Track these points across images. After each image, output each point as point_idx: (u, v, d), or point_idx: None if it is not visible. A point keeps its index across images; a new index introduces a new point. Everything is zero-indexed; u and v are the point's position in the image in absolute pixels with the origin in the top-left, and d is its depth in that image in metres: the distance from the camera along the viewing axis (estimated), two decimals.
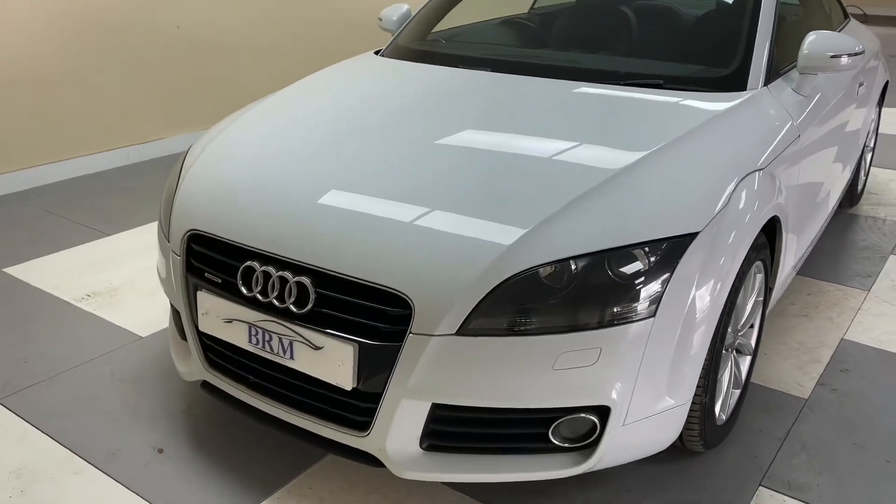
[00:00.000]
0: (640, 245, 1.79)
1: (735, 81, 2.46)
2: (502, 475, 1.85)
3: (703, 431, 2.06)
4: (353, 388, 1.82)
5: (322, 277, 1.86)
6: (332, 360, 1.83)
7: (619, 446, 1.86)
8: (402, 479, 2.12)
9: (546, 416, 1.81)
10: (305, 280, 1.86)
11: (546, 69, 2.66)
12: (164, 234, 2.25)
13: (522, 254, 1.75)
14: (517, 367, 1.74)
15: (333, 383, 1.85)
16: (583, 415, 1.81)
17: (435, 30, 3.25)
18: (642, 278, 1.77)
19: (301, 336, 1.87)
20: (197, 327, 2.12)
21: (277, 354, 1.93)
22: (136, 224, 3.93)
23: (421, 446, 1.86)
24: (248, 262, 1.95)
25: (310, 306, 1.86)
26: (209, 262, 2.08)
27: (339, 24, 6.17)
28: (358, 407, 1.88)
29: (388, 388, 1.80)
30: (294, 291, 1.87)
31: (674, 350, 1.82)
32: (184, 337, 2.28)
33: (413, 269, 1.76)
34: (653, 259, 1.79)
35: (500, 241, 1.77)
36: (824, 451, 2.26)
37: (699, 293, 1.84)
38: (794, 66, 2.70)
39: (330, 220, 1.91)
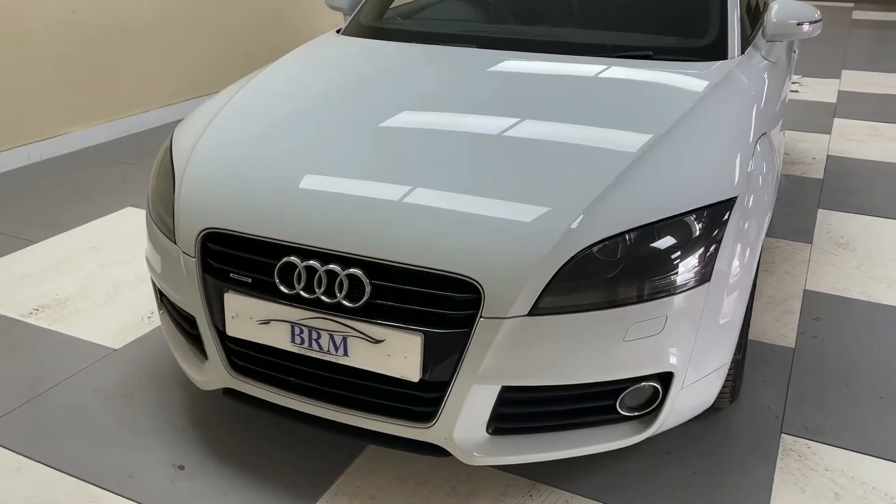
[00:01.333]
0: (690, 213, 1.83)
1: (717, 50, 2.55)
2: (570, 451, 1.86)
3: (734, 387, 2.15)
4: (420, 380, 1.77)
5: (376, 268, 1.78)
6: (394, 353, 1.77)
7: (675, 411, 1.91)
8: (451, 467, 2.09)
9: (614, 388, 1.83)
10: (358, 272, 1.77)
11: (532, 44, 2.65)
12: (167, 235, 2.09)
13: (584, 231, 1.75)
14: (590, 342, 1.74)
15: (397, 376, 1.78)
16: (647, 383, 1.84)
17: (393, 6, 3.17)
18: (697, 245, 1.81)
19: (357, 331, 1.79)
20: (223, 332, 1.99)
21: (328, 352, 1.84)
22: (65, 227, 3.62)
23: (487, 431, 1.84)
24: (287, 258, 1.84)
25: (365, 299, 1.78)
26: (234, 261, 1.94)
27: (245, 4, 5.89)
28: (421, 398, 1.82)
29: (457, 376, 1.75)
30: (346, 285, 1.79)
31: (722, 311, 1.89)
32: (197, 344, 2.13)
33: (479, 253, 1.72)
34: (702, 225, 1.83)
35: (562, 219, 1.76)
36: (824, 395, 2.41)
37: (740, 253, 1.91)
38: (757, 34, 2.84)
39: (376, 208, 1.83)
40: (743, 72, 2.47)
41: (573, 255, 1.72)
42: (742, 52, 2.59)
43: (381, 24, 3.03)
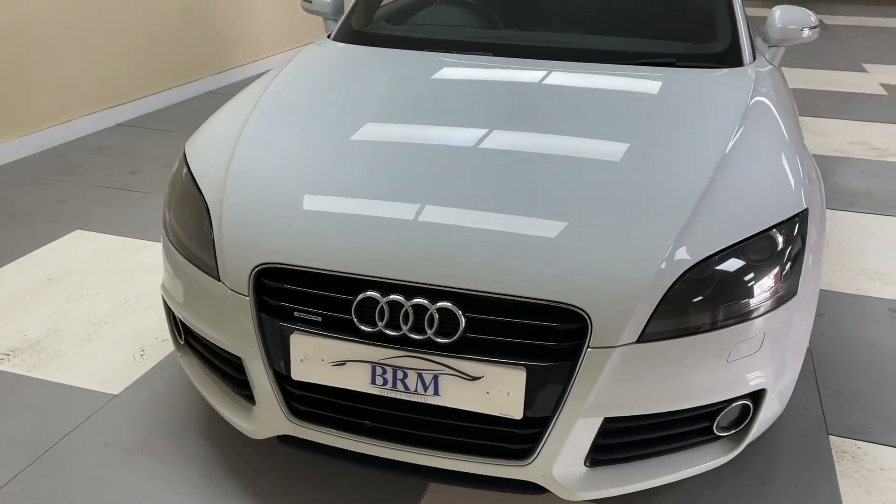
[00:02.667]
0: (775, 228, 1.81)
1: (734, 57, 2.56)
2: (668, 477, 1.81)
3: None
4: (524, 417, 1.67)
5: (470, 300, 1.66)
6: (494, 390, 1.65)
7: (758, 425, 1.90)
8: (513, 500, 2.00)
9: (712, 409, 1.79)
10: (451, 306, 1.65)
11: (548, 51, 2.59)
12: (206, 272, 1.88)
13: (684, 252, 1.69)
14: (696, 366, 1.69)
15: (497, 414, 1.67)
16: (741, 401, 1.82)
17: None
18: (785, 259, 1.80)
19: (451, 368, 1.67)
20: (282, 376, 1.81)
21: (415, 392, 1.71)
22: (10, 257, 3.25)
23: (585, 464, 1.76)
24: (367, 293, 1.69)
25: (459, 334, 1.66)
26: (299, 298, 1.77)
27: (168, 1, 5.50)
28: (518, 435, 1.72)
29: (561, 410, 1.66)
30: (436, 320, 1.66)
31: (802, 323, 1.88)
32: (244, 391, 1.94)
33: (584, 281, 1.63)
34: (785, 239, 1.82)
35: (662, 242, 1.69)
36: (857, 392, 2.47)
37: (813, 264, 1.91)
38: (755, 40, 2.88)
39: (466, 236, 1.71)
40: (764, 78, 2.49)
41: (677, 277, 1.66)
42: (753, 59, 2.62)
43: (380, 29, 2.89)
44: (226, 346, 1.89)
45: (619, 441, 1.77)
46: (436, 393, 1.70)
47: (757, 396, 1.83)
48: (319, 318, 1.75)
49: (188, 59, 5.86)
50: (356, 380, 1.74)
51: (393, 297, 1.67)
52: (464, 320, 1.65)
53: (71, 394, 2.38)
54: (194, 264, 1.93)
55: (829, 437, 2.27)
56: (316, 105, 2.28)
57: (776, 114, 2.25)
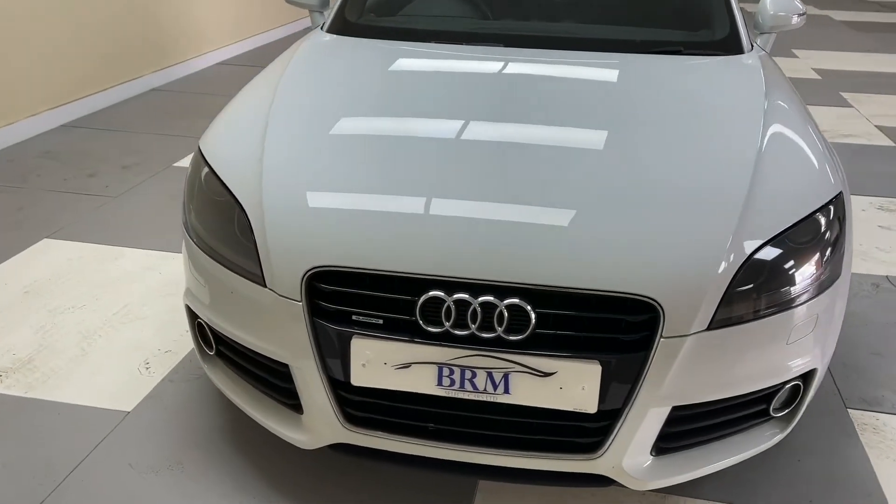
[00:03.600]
0: (820, 210, 1.84)
1: (735, 44, 2.61)
2: (728, 460, 1.82)
3: None
4: (598, 411, 1.66)
5: (540, 296, 1.64)
6: (568, 385, 1.63)
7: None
8: (576, 493, 1.99)
9: (770, 391, 1.82)
10: (520, 302, 1.62)
11: (556, 41, 2.58)
12: (248, 278, 1.79)
13: (745, 237, 1.71)
14: (760, 350, 1.71)
15: (571, 410, 1.65)
16: (794, 381, 1.85)
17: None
18: (831, 240, 1.84)
19: (522, 365, 1.64)
20: (337, 381, 1.74)
21: (484, 392, 1.67)
22: None
23: (651, 453, 1.76)
24: (431, 293, 1.64)
25: (530, 330, 1.63)
26: (357, 301, 1.70)
27: None
28: (587, 428, 1.71)
29: (633, 401, 1.66)
30: (506, 317, 1.63)
31: (843, 303, 1.94)
32: (290, 400, 1.86)
33: (654, 271, 1.63)
34: (828, 221, 1.86)
35: (724, 228, 1.70)
36: (863, 366, 2.56)
37: (849, 244, 1.96)
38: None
39: (531, 230, 1.68)
40: (769, 65, 2.54)
41: (741, 263, 1.68)
42: (752, 46, 2.67)
43: (376, 21, 2.81)
44: (271, 354, 1.81)
45: (684, 428, 1.78)
46: (506, 391, 1.67)
47: (807, 376, 1.87)
48: (381, 321, 1.69)
49: (130, 54, 5.60)
50: (422, 382, 1.69)
51: (459, 295, 1.63)
52: (534, 316, 1.62)
53: (80, 413, 2.24)
54: (233, 271, 1.83)
55: (848, 410, 2.34)
56: (335, 101, 2.20)
57: (792, 99, 2.31)
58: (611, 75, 2.35)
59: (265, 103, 2.21)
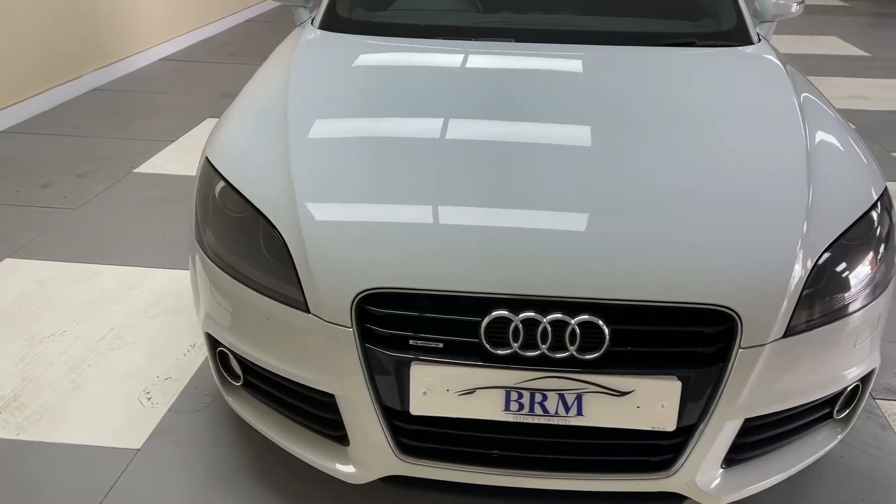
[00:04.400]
0: (872, 208, 1.80)
1: (743, 35, 2.56)
2: (794, 468, 1.77)
3: None
4: (677, 428, 1.58)
5: (614, 311, 1.54)
6: (646, 404, 1.55)
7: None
8: None
9: (835, 396, 1.78)
10: (594, 319, 1.52)
11: (568, 34, 2.49)
12: (288, 304, 1.64)
13: (812, 241, 1.65)
14: (830, 355, 1.66)
15: (649, 429, 1.57)
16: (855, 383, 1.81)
17: None
18: (885, 237, 1.80)
19: (596, 385, 1.54)
20: (395, 412, 1.62)
21: (556, 415, 1.57)
22: None
23: (721, 466, 1.70)
24: (496, 312, 1.53)
25: (604, 348, 1.53)
26: (413, 324, 1.58)
27: None
28: (661, 446, 1.63)
29: (711, 415, 1.58)
30: (578, 335, 1.53)
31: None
32: (336, 432, 1.72)
33: (729, 280, 1.55)
34: (879, 217, 1.82)
35: (792, 232, 1.63)
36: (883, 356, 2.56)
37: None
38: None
39: (595, 244, 1.57)
40: (781, 55, 2.50)
41: (813, 265, 1.62)
42: (759, 36, 2.63)
43: (371, 17, 2.66)
44: (314, 384, 1.68)
45: (754, 439, 1.72)
46: (579, 413, 1.57)
47: (867, 376, 1.83)
48: (441, 345, 1.57)
49: (69, 53, 5.26)
50: (488, 408, 1.58)
51: (527, 314, 1.53)
52: (608, 333, 1.53)
53: (84, 455, 2.04)
54: (268, 296, 1.68)
55: (876, 401, 2.34)
56: (353, 107, 2.05)
57: (815, 92, 2.27)
58: (631, 70, 2.27)
59: (276, 109, 2.04)
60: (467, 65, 2.28)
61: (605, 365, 1.55)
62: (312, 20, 2.70)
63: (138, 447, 2.08)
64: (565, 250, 1.57)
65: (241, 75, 5.90)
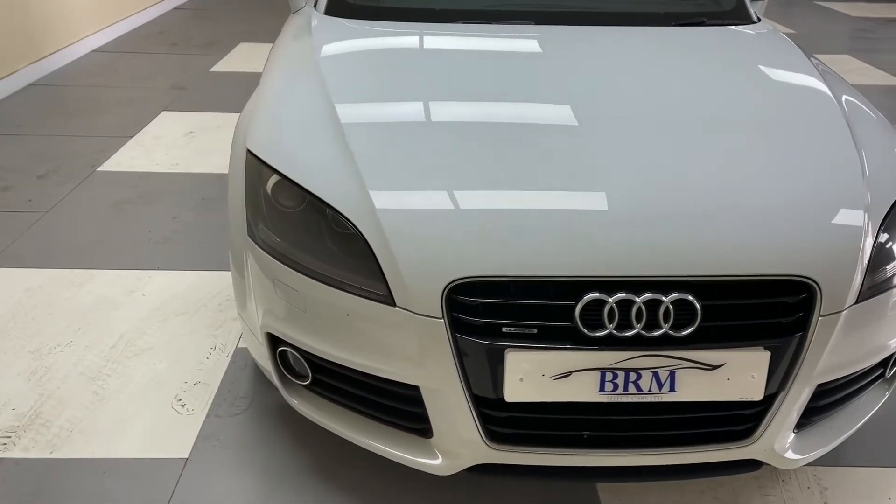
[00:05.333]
0: None
1: (744, 14, 2.64)
2: (855, 426, 1.86)
3: None
4: (764, 397, 1.62)
5: (705, 287, 1.57)
6: (735, 376, 1.59)
7: None
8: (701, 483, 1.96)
9: (888, 357, 1.86)
10: (687, 296, 1.55)
11: (575, 16, 2.51)
12: (374, 299, 1.60)
13: (875, 207, 1.72)
14: (892, 317, 1.74)
15: (737, 399, 1.61)
16: None
17: None
18: None
19: (690, 361, 1.57)
20: (485, 400, 1.61)
21: (649, 393, 1.59)
22: None
23: (794, 430, 1.76)
24: (591, 295, 1.54)
25: (697, 324, 1.56)
26: (506, 312, 1.57)
27: None
28: (742, 415, 1.68)
29: (792, 383, 1.64)
30: (672, 313, 1.55)
31: None
32: (418, 424, 1.70)
33: (809, 250, 1.60)
34: None
35: (857, 199, 1.70)
36: None
37: None
38: None
39: (681, 221, 1.60)
40: (787, 35, 2.59)
41: (877, 232, 1.69)
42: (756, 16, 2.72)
43: (384, 1, 2.60)
44: (398, 377, 1.65)
45: (824, 402, 1.79)
46: (671, 389, 1.60)
47: None
48: (535, 330, 1.57)
49: (1, 48, 4.94)
50: (583, 390, 1.59)
51: (622, 295, 1.54)
52: (700, 309, 1.56)
53: (130, 469, 1.95)
54: (347, 291, 1.64)
55: None
56: (398, 93, 2.01)
57: (827, 66, 2.36)
58: (657, 49, 2.30)
59: (316, 99, 1.98)
60: (497, 48, 2.27)
61: (697, 340, 1.58)
62: (315, 4, 2.63)
63: (186, 456, 1.99)
64: (655, 229, 1.59)
65: (189, 66, 5.69)
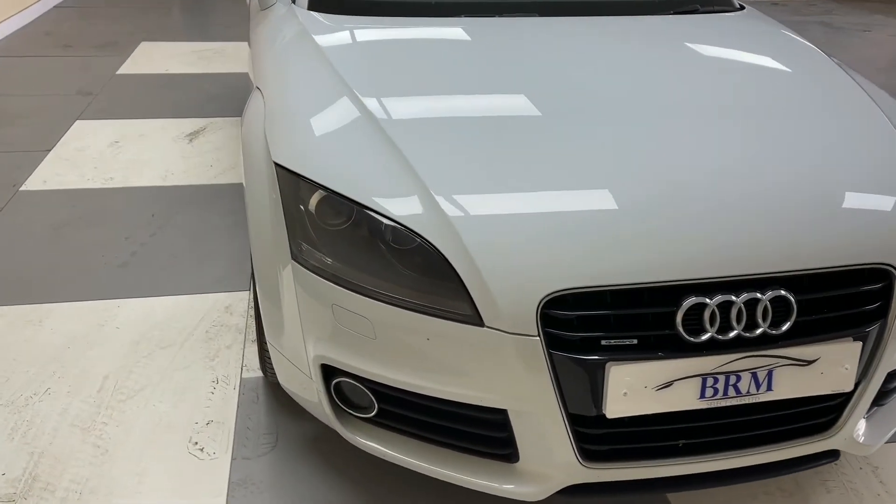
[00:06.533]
0: None
1: (729, 1, 2.66)
2: None
3: None
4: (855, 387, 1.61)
5: (796, 282, 1.54)
6: (829, 369, 1.56)
7: None
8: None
9: None
10: (784, 293, 1.51)
11: (572, 6, 2.44)
12: (460, 320, 1.47)
13: None
14: None
15: (830, 392, 1.59)
16: None
17: None
18: None
19: (787, 358, 1.54)
20: (581, 418, 1.52)
21: (747, 394, 1.55)
22: None
23: (864, 417, 1.76)
24: (691, 299, 1.47)
25: (792, 320, 1.53)
26: (602, 323, 1.47)
27: None
28: (825, 408, 1.66)
29: (875, 371, 1.64)
30: (770, 311, 1.51)
31: None
32: (500, 450, 1.58)
33: (886, 237, 1.59)
34: None
35: None
36: None
37: None
38: None
39: (772, 217, 1.56)
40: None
41: None
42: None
43: None
44: (484, 401, 1.53)
45: (891, 386, 1.80)
46: (768, 388, 1.56)
47: None
48: (636, 341, 1.49)
49: None
50: (683, 398, 1.52)
51: (722, 297, 1.48)
52: (795, 304, 1.52)
53: None
54: (426, 314, 1.50)
55: None
56: (432, 91, 1.87)
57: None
58: (668, 39, 2.26)
59: (344, 105, 1.81)
60: (510, 40, 2.17)
61: (792, 337, 1.54)
62: (294, 0, 2.43)
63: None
64: (746, 227, 1.54)
65: (91, 69, 5.25)
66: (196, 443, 1.99)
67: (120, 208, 3.28)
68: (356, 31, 2.20)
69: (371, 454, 1.93)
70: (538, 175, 1.60)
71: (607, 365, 1.47)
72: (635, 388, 1.49)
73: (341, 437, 2.00)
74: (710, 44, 2.25)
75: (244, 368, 2.27)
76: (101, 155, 3.84)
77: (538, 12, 2.40)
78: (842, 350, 1.56)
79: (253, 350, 2.36)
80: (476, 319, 1.47)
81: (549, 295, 1.45)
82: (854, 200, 1.64)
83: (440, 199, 1.54)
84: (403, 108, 1.80)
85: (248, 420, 2.07)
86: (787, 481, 1.93)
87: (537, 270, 1.46)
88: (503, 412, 1.55)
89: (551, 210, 1.53)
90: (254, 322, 2.49)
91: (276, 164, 1.72)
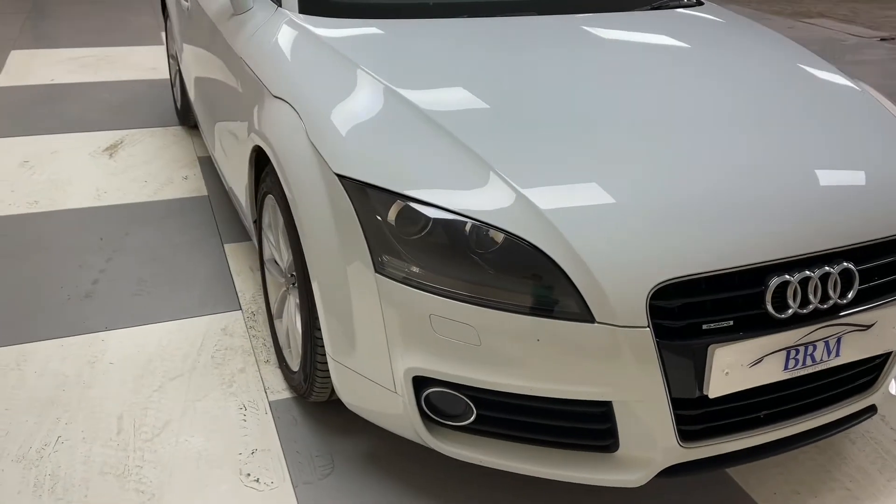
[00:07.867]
0: None
1: None
2: None
3: None
4: None
5: (858, 253, 1.67)
6: (885, 330, 1.72)
7: None
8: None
9: None
10: (849, 264, 1.64)
11: (552, 5, 2.50)
12: (569, 318, 1.49)
13: None
14: None
15: (883, 351, 1.74)
16: None
17: None
18: None
19: (851, 325, 1.67)
20: (681, 401, 1.58)
21: (821, 362, 1.67)
22: None
23: None
24: (776, 278, 1.57)
25: (855, 289, 1.66)
26: (699, 309, 1.54)
27: None
28: (867, 368, 1.82)
29: None
30: (839, 282, 1.63)
31: None
32: (600, 441, 1.62)
33: None
34: None
35: None
36: None
37: None
38: None
39: (835, 193, 1.69)
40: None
41: None
42: None
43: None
44: (590, 395, 1.56)
45: None
46: (837, 354, 1.69)
47: None
48: (732, 322, 1.56)
49: None
50: (771, 372, 1.63)
51: (803, 273, 1.59)
52: (858, 274, 1.66)
53: None
54: (533, 315, 1.50)
55: None
56: (482, 89, 1.87)
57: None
58: (671, 34, 2.36)
59: (398, 108, 1.78)
60: (536, 38, 2.20)
61: (856, 304, 1.68)
62: (281, 2, 2.33)
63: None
64: (815, 206, 1.66)
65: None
66: (248, 474, 1.88)
67: (59, 234, 3.01)
68: (368, 33, 2.15)
69: (440, 459, 1.91)
70: (615, 167, 1.65)
71: (710, 348, 1.54)
72: (735, 367, 1.57)
73: (395, 448, 1.97)
74: (709, 42, 2.36)
75: (268, 392, 2.16)
76: (15, 176, 3.50)
77: (537, 11, 2.44)
78: (892, 313, 1.72)
79: (269, 371, 2.25)
80: (587, 316, 1.50)
81: (657, 285, 1.50)
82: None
83: (528, 193, 1.55)
84: (456, 104, 1.79)
85: (294, 444, 1.98)
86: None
87: (644, 262, 1.50)
88: (607, 404, 1.58)
89: (644, 201, 1.58)
90: (261, 343, 2.39)
91: (342, 177, 1.66)
